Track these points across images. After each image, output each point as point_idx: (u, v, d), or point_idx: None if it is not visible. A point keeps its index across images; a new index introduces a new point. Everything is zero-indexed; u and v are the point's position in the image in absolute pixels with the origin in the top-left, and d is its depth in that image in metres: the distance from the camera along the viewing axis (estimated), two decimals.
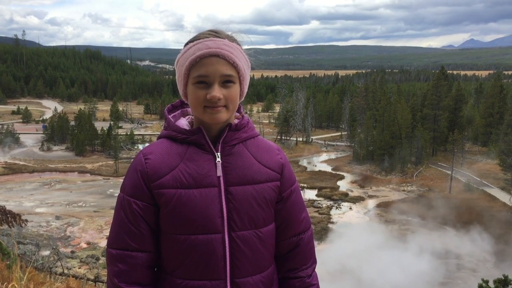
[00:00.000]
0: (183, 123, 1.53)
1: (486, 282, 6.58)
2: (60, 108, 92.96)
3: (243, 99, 1.52)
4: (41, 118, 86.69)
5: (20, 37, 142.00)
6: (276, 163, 1.52)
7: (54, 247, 27.84)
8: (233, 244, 1.43)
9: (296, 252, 1.58)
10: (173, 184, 1.41)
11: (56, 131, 68.02)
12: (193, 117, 1.54)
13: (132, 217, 1.44)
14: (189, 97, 1.45)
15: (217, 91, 1.38)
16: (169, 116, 1.55)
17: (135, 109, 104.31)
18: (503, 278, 6.53)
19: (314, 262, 1.63)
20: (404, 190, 46.44)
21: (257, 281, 1.47)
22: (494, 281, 6.55)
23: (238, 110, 1.56)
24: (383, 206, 41.14)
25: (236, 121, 1.52)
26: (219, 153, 1.45)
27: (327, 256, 25.37)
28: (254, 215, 1.45)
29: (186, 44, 1.45)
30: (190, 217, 1.40)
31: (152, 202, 1.43)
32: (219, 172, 1.43)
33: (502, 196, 40.91)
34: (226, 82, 1.40)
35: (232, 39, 1.45)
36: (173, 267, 1.45)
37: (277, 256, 1.59)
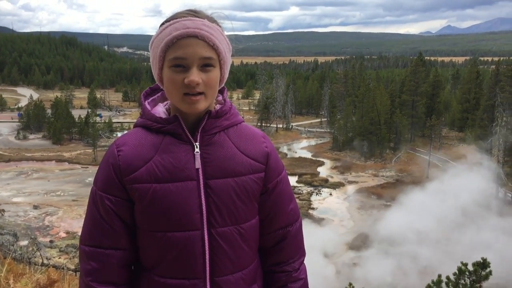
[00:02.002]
0: (160, 110, 1.40)
1: (465, 264, 6.71)
2: (36, 95, 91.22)
3: (223, 85, 1.41)
4: (16, 106, 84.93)
5: None
6: (261, 153, 1.41)
7: (33, 237, 27.49)
8: (213, 242, 1.33)
9: (282, 246, 1.48)
10: (147, 179, 1.30)
11: (32, 119, 66.74)
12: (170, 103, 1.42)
13: (105, 213, 1.34)
14: (164, 82, 1.33)
15: (195, 75, 1.26)
16: (146, 102, 1.43)
17: (113, 97, 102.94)
18: (481, 261, 6.69)
19: (302, 255, 1.53)
20: (383, 176, 47.09)
21: (238, 279, 1.39)
22: (473, 264, 6.69)
23: (222, 94, 1.45)
24: (362, 191, 41.65)
25: (217, 107, 1.41)
26: (197, 143, 1.34)
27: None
28: (235, 211, 1.34)
29: (162, 24, 1.32)
30: (166, 213, 1.30)
31: (125, 197, 1.33)
32: (198, 164, 1.32)
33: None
34: (205, 65, 1.28)
35: (212, 20, 1.32)
36: (152, 264, 1.36)
37: (262, 249, 1.49)
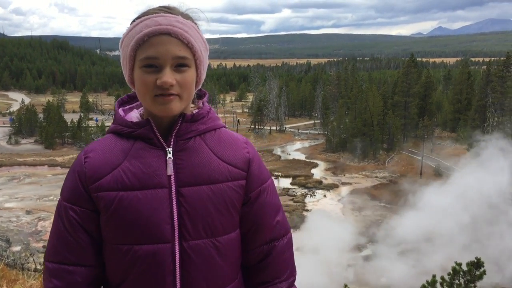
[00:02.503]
0: (133, 115, 1.30)
1: (459, 264, 6.74)
2: (27, 100, 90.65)
3: (200, 86, 1.31)
4: (8, 111, 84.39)
5: None
6: (241, 159, 1.29)
7: (26, 242, 27.28)
8: (185, 256, 1.20)
9: (267, 263, 1.33)
10: (113, 186, 1.20)
11: (24, 124, 66.31)
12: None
13: (70, 225, 1.23)
14: (136, 83, 1.22)
15: (168, 76, 1.16)
16: (120, 109, 1.33)
17: (106, 100, 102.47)
18: (475, 260, 6.72)
19: (292, 275, 1.37)
20: (376, 177, 47.21)
21: None
22: (467, 264, 6.71)
23: (201, 98, 1.36)
24: (356, 192, 41.74)
25: (194, 110, 1.31)
26: (170, 149, 1.23)
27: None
28: (211, 222, 1.22)
29: (133, 21, 1.22)
30: (133, 224, 1.19)
31: (91, 208, 1.23)
32: (170, 171, 1.21)
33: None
34: (179, 65, 1.19)
35: (187, 17, 1.23)
36: (118, 281, 1.24)
37: (245, 267, 1.36)
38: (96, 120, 73.92)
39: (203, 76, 1.28)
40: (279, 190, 41.79)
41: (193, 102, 1.34)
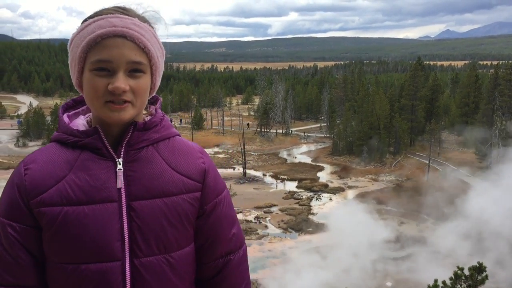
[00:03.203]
0: (79, 122, 1.21)
1: (462, 269, 6.66)
2: (35, 103, 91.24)
3: (154, 93, 1.24)
4: (16, 114, 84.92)
5: None
6: (196, 169, 1.22)
7: None
8: (136, 274, 1.13)
9: (223, 277, 1.28)
10: (57, 201, 1.10)
11: (32, 127, 66.77)
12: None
13: (8, 244, 1.12)
14: (84, 87, 1.13)
15: (121, 81, 1.08)
16: (65, 115, 1.24)
17: None
18: (478, 265, 6.64)
19: None
20: (383, 180, 46.98)
21: None
22: (469, 268, 6.64)
23: (154, 103, 1.29)
24: (362, 196, 41.55)
25: (147, 118, 1.23)
26: (121, 159, 1.15)
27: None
28: (164, 237, 1.15)
29: (85, 21, 1.14)
30: (79, 242, 1.10)
31: (32, 224, 1.13)
32: (120, 183, 1.13)
33: (477, 184, 41.63)
34: (133, 71, 1.11)
35: (143, 20, 1.16)
36: None
37: (199, 282, 1.30)
38: None
39: (158, 83, 1.22)
40: (285, 193, 41.71)
41: (145, 109, 1.26)
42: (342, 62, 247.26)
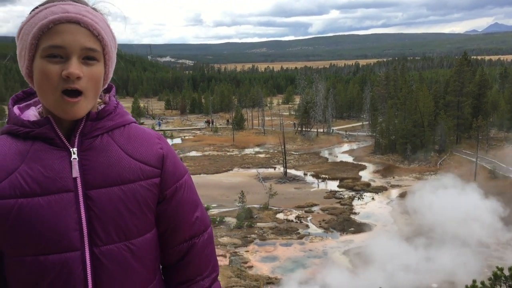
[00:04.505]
0: (30, 113, 1.18)
1: (501, 269, 6.42)
2: None
3: (106, 85, 1.22)
4: None
5: None
6: (154, 155, 1.20)
7: None
8: (96, 263, 1.12)
9: (187, 261, 1.28)
10: (10, 193, 1.08)
11: None
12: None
13: None
14: (35, 76, 1.09)
15: (76, 67, 1.06)
16: (16, 107, 1.21)
17: (156, 105, 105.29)
18: None
19: (214, 271, 1.33)
20: (427, 179, 45.77)
21: None
22: (509, 268, 6.38)
23: (107, 92, 1.27)
24: (406, 195, 40.63)
25: (100, 107, 1.21)
26: (75, 149, 1.12)
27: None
28: (123, 224, 1.14)
29: (35, 9, 1.11)
30: (36, 233, 1.07)
31: None
32: (75, 173, 1.11)
33: None
34: (87, 58, 1.09)
35: (95, 11, 1.14)
36: None
37: (165, 267, 1.30)
38: (159, 124, 75.73)
39: (111, 74, 1.20)
40: (326, 192, 41.36)
41: (99, 97, 1.25)
42: (384, 59, 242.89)
